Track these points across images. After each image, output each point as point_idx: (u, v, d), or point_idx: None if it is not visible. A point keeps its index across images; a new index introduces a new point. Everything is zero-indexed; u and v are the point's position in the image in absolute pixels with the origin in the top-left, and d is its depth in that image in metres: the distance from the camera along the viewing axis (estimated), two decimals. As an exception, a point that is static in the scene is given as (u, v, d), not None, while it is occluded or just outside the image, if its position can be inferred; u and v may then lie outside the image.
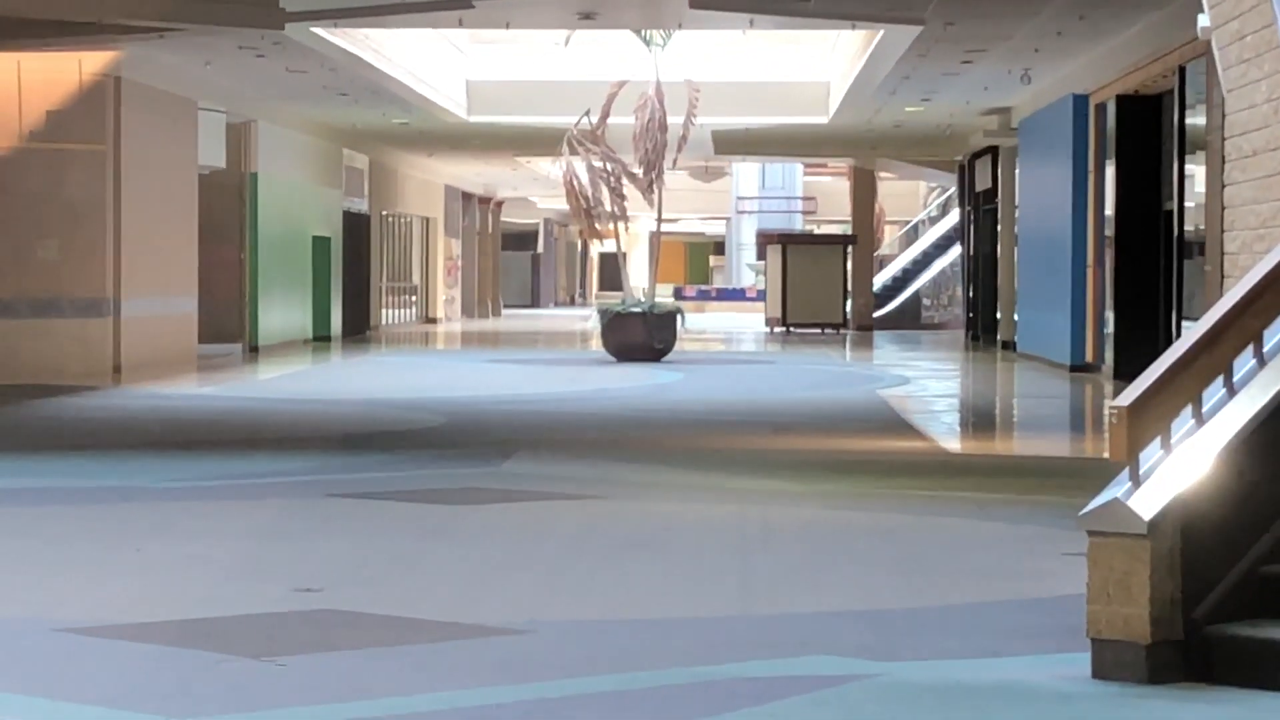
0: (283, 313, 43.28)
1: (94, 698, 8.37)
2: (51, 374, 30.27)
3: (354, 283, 50.83)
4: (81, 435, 22.85)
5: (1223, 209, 13.62)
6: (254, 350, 40.52)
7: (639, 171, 41.34)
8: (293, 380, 34.26)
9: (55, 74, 31.09)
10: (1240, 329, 9.61)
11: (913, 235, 68.94)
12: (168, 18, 25.58)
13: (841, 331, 57.22)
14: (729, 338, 55.37)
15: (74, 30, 26.57)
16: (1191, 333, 9.63)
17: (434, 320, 63.93)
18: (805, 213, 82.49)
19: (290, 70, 33.71)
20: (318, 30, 29.11)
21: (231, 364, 37.51)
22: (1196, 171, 26.72)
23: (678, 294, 74.78)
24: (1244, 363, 9.60)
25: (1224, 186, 13.62)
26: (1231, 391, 9.50)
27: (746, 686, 8.92)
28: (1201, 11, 13.78)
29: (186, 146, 36.48)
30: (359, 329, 50.87)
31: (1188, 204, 27.74)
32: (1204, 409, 9.41)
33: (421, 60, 38.08)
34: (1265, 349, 9.65)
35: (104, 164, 31.87)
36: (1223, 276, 13.78)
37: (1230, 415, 9.41)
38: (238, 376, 34.92)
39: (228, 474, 18.29)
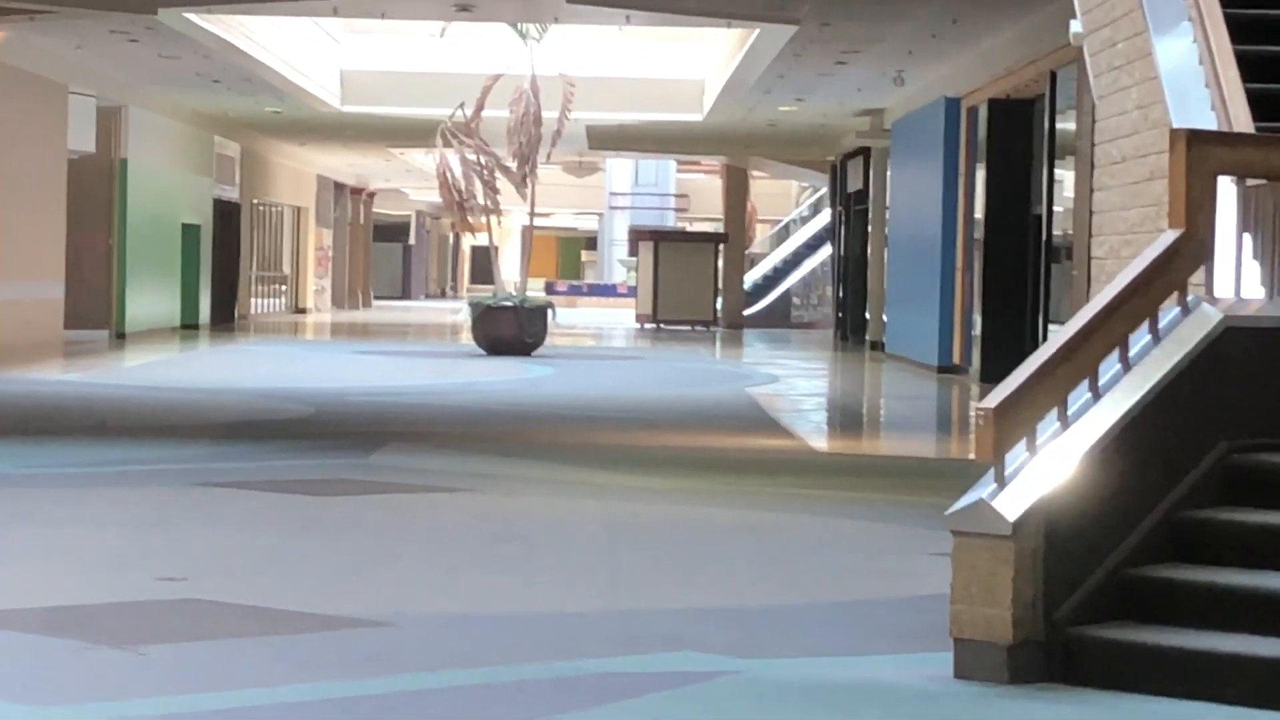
0: (151, 300, 43.02)
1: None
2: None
3: (223, 271, 50.63)
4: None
5: (1091, 214, 13.72)
6: (121, 337, 40.28)
7: (513, 165, 41.41)
8: (160, 368, 34.08)
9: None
10: (1106, 334, 9.69)
11: (784, 234, 69.10)
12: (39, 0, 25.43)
13: (711, 329, 57.31)
14: (600, 333, 55.43)
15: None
16: (1058, 336, 9.71)
17: (304, 310, 63.67)
18: (678, 210, 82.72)
19: (162, 56, 33.57)
20: (190, 16, 29.00)
21: (98, 350, 37.32)
22: (1066, 177, 26.91)
23: (549, 289, 74.93)
24: (1110, 367, 9.69)
25: (1093, 192, 13.72)
26: (1097, 395, 9.58)
27: (612, 682, 8.95)
28: (1074, 18, 13.88)
29: (56, 131, 36.24)
30: (227, 318, 50.63)
31: (1057, 209, 27.91)
32: (1069, 412, 9.50)
33: (295, 48, 37.98)
34: (1131, 354, 9.74)
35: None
36: (1089, 281, 13.89)
37: (1095, 419, 9.49)
38: (104, 363, 34.75)
39: (92, 461, 18.17)
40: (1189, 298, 9.92)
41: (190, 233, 46.96)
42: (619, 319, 64.92)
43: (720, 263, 60.69)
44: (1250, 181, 10.13)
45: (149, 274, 42.96)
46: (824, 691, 8.89)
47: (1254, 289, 10.08)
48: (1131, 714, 8.52)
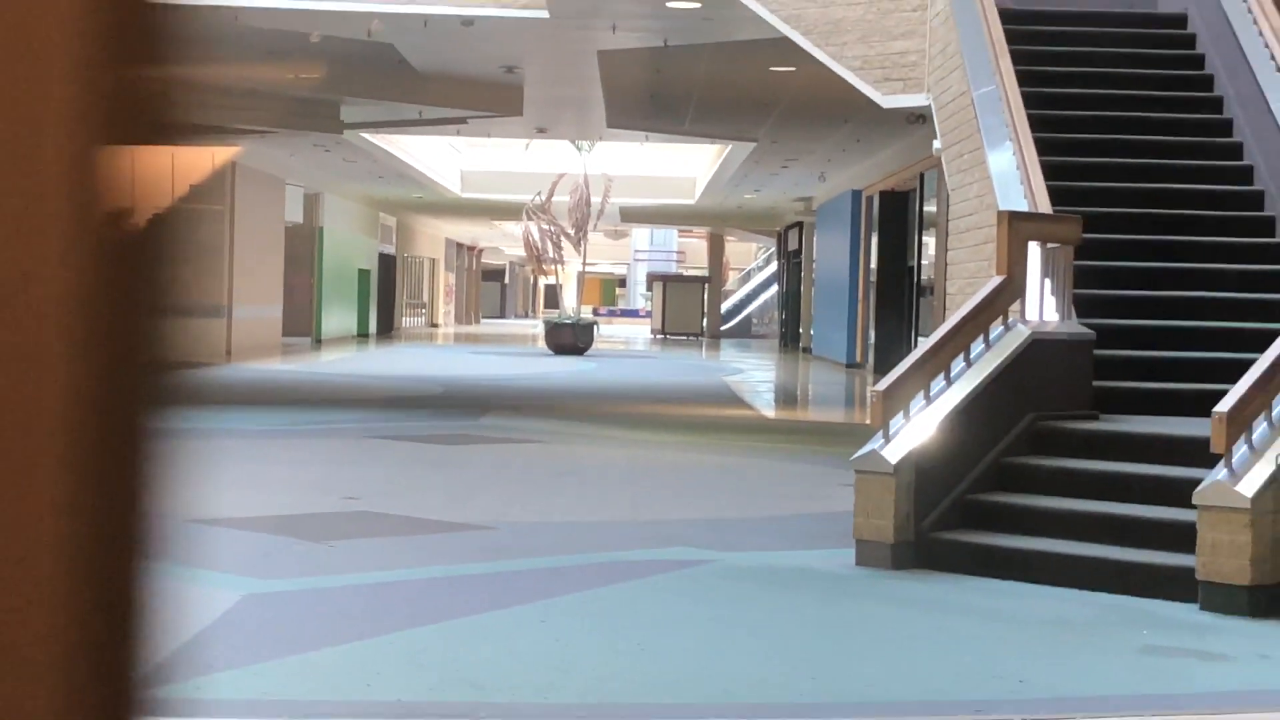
0: (337, 317, 43.14)
1: (210, 566, 8.36)
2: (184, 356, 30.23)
3: (384, 299, 50.76)
4: (207, 394, 22.73)
5: (945, 266, 13.68)
6: (318, 342, 40.36)
7: (572, 232, 41.41)
8: (342, 362, 34.11)
9: (196, 160, 30.82)
10: (955, 343, 9.75)
11: (746, 278, 68.96)
12: (268, 126, 25.50)
13: (700, 338, 57.37)
14: (627, 341, 55.34)
15: (209, 133, 26.54)
16: (924, 345, 9.78)
17: (436, 325, 63.66)
18: (678, 261, 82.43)
19: (345, 160, 33.60)
20: (365, 135, 29.06)
21: (302, 350, 37.33)
22: (930, 241, 26.86)
23: (595, 312, 75.09)
24: (958, 365, 9.74)
25: (947, 251, 13.69)
26: (949, 382, 9.64)
27: (634, 566, 9.02)
28: (936, 138, 13.86)
29: (277, 208, 36.36)
30: (387, 330, 50.74)
31: (923, 262, 27.87)
32: (931, 393, 9.53)
33: (431, 155, 37.97)
34: (971, 356, 9.81)
35: (223, 218, 31.76)
36: (945, 309, 13.87)
37: (948, 398, 9.56)
38: (306, 358, 34.75)
39: (298, 421, 18.24)
40: (1009, 320, 9.96)
41: (363, 275, 47.10)
42: (640, 332, 64.96)
43: (706, 295, 60.77)
44: (1049, 244, 10.17)
45: (336, 301, 43.08)
46: (770, 573, 8.96)
47: (1051, 315, 10.11)
48: (967, 588, 8.57)
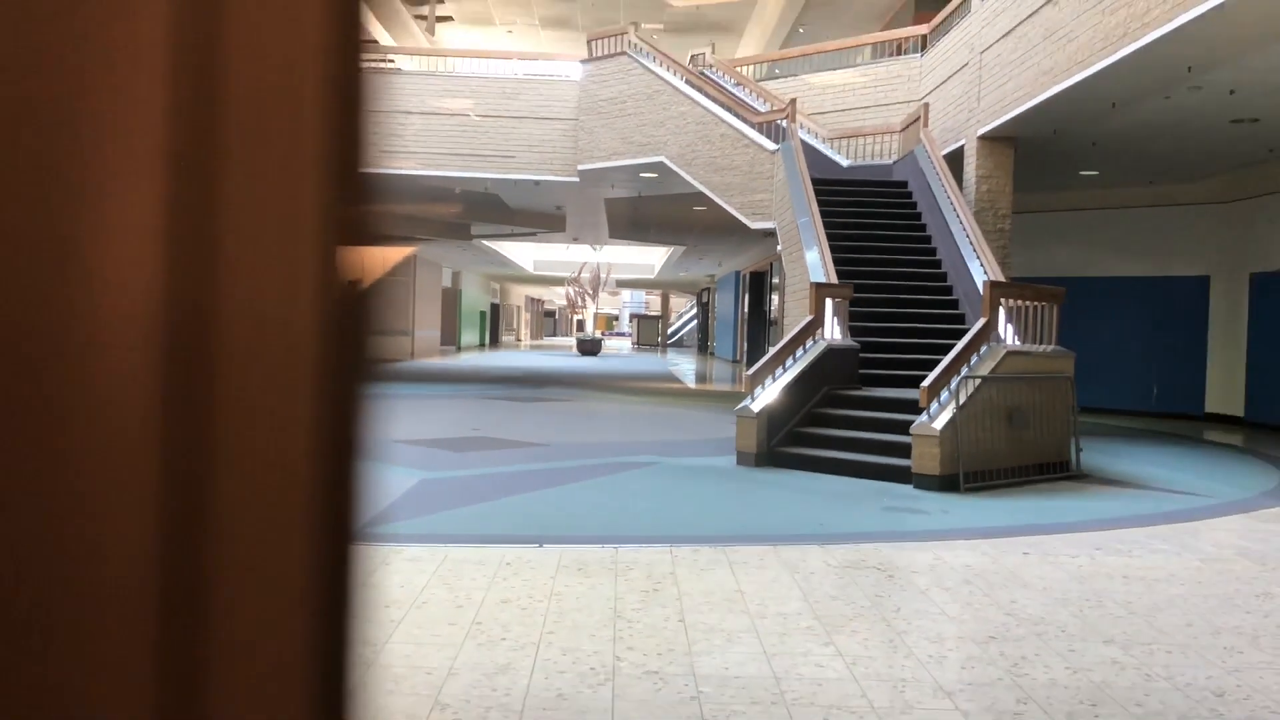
0: (468, 335, 42.73)
1: (395, 462, 8.34)
2: (389, 356, 30.05)
3: (493, 326, 50.42)
4: (399, 375, 22.73)
5: (784, 311, 13.67)
6: (458, 349, 40.13)
7: (590, 291, 41.28)
8: (472, 359, 33.87)
9: (393, 254, 30.66)
10: (787, 350, 9.70)
11: (681, 316, 68.84)
12: (431, 236, 25.33)
13: (657, 348, 57.12)
14: (619, 350, 55.13)
15: (400, 240, 26.28)
16: (771, 350, 9.76)
17: (520, 340, 63.27)
18: (646, 306, 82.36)
19: (474, 255, 33.41)
20: (484, 241, 28.91)
21: (450, 353, 37.11)
22: (775, 298, 26.85)
23: (602, 333, 75.16)
24: (790, 361, 9.70)
25: (784, 303, 13.68)
26: (785, 370, 9.60)
27: (619, 465, 8.93)
28: (778, 244, 13.86)
29: (437, 281, 36.05)
30: (494, 343, 50.38)
31: (772, 308, 27.87)
32: (776, 376, 9.51)
33: (519, 251, 37.83)
34: (797, 355, 9.76)
35: (409, 286, 31.63)
36: (783, 332, 13.85)
37: (784, 378, 9.52)
38: (454, 357, 34.57)
39: (443, 390, 18.13)
40: (816, 338, 9.96)
41: (482, 314, 46.73)
42: (625, 344, 64.63)
43: (660, 325, 60.55)
44: (836, 299, 10.15)
45: (468, 327, 42.73)
46: (693, 468, 8.86)
47: (837, 335, 10.09)
48: (794, 476, 8.51)
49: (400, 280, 31.70)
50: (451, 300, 39.34)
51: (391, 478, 7.82)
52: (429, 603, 4.43)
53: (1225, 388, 15.43)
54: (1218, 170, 14.60)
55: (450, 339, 39.10)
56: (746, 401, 9.35)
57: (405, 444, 9.88)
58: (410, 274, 32.07)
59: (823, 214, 12.14)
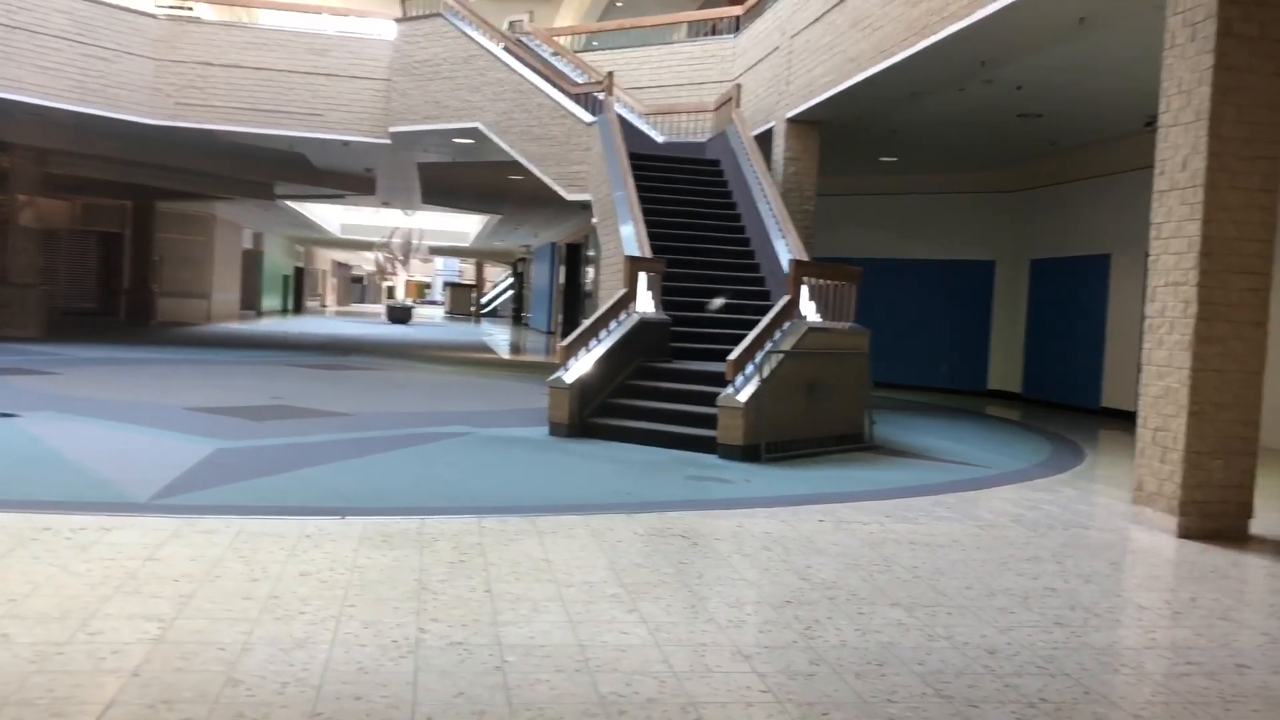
0: (270, 300, 40.84)
1: (187, 431, 7.93)
2: (184, 319, 28.52)
3: (298, 290, 48.21)
4: (194, 338, 21.56)
5: (599, 284, 13.71)
6: (259, 314, 38.24)
7: (401, 259, 40.30)
8: (275, 324, 32.47)
9: (189, 212, 29.17)
10: (602, 321, 9.77)
11: (496, 285, 68.13)
12: (233, 195, 24.08)
13: (470, 317, 56.36)
14: (431, 319, 54.15)
15: (199, 199, 24.89)
16: (585, 322, 9.80)
17: (325, 307, 60.83)
18: (460, 275, 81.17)
19: (276, 216, 32.02)
20: (287, 202, 27.75)
21: (249, 318, 35.47)
22: (590, 270, 27.02)
23: (413, 301, 73.56)
24: (605, 333, 9.78)
25: (599, 275, 13.73)
26: (599, 342, 9.67)
27: (430, 435, 8.81)
28: (594, 216, 13.90)
29: (237, 242, 34.22)
30: (299, 309, 48.39)
31: (587, 280, 28.01)
32: (589, 347, 9.56)
33: (325, 214, 36.46)
34: (611, 327, 9.84)
35: (207, 249, 30.00)
36: (598, 304, 13.90)
37: (597, 350, 9.59)
38: (255, 322, 33.09)
39: (240, 357, 17.37)
40: (629, 311, 10.06)
41: (285, 278, 44.83)
42: (438, 312, 63.49)
43: (475, 294, 59.89)
44: (650, 273, 10.28)
45: (270, 291, 40.86)
46: (503, 438, 8.82)
47: (650, 308, 10.22)
48: (605, 447, 8.60)
49: (198, 241, 30.04)
50: (253, 263, 37.54)
51: (182, 447, 7.41)
52: (223, 576, 4.23)
53: (1006, 366, 16.60)
54: (1005, 161, 15.63)
55: (251, 303, 37.33)
56: (560, 372, 9.35)
57: (198, 412, 9.38)
58: (208, 234, 30.42)
59: (640, 189, 12.23)
